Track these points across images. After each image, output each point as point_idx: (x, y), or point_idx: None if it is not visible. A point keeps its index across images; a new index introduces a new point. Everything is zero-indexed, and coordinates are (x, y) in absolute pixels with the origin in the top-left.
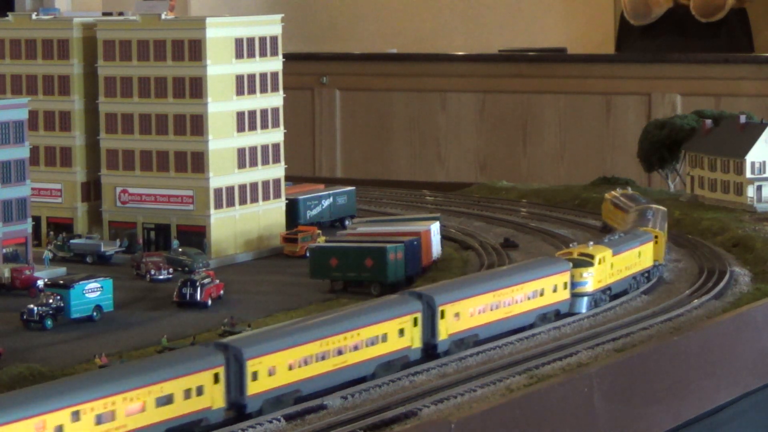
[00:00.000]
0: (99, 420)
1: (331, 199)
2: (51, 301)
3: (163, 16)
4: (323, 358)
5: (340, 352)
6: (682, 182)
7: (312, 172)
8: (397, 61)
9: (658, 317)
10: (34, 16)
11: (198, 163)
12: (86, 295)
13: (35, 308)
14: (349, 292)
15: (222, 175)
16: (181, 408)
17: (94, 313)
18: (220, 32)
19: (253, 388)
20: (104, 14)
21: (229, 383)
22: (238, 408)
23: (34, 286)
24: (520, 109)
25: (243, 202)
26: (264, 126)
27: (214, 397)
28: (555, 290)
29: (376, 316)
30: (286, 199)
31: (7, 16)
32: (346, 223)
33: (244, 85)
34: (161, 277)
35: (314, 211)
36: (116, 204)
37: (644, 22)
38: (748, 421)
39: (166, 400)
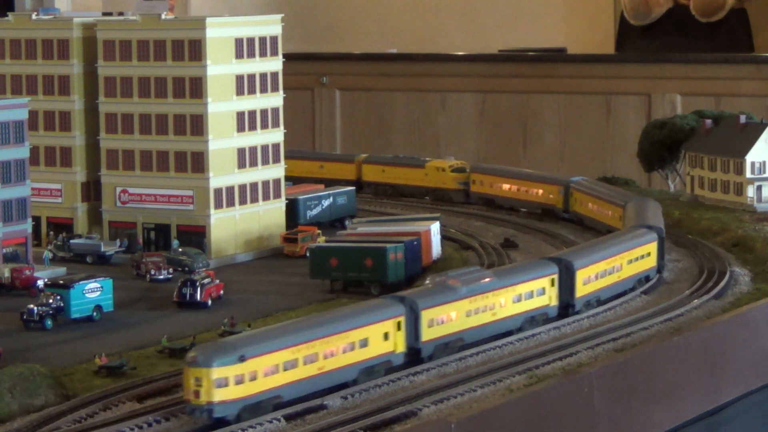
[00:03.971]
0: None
1: (331, 199)
2: (51, 301)
3: (163, 16)
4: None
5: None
6: (682, 182)
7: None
8: (397, 61)
9: (658, 317)
10: (34, 16)
11: (198, 163)
12: (86, 295)
13: (35, 308)
14: (349, 292)
15: (222, 175)
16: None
17: (94, 313)
18: (220, 32)
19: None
20: (104, 14)
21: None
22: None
23: (34, 286)
24: (520, 109)
25: (243, 202)
26: (264, 126)
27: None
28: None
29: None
30: (286, 199)
31: (7, 16)
32: (346, 223)
33: (244, 85)
34: (161, 277)
35: (314, 211)
36: (116, 204)
37: (644, 22)
38: (749, 420)
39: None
